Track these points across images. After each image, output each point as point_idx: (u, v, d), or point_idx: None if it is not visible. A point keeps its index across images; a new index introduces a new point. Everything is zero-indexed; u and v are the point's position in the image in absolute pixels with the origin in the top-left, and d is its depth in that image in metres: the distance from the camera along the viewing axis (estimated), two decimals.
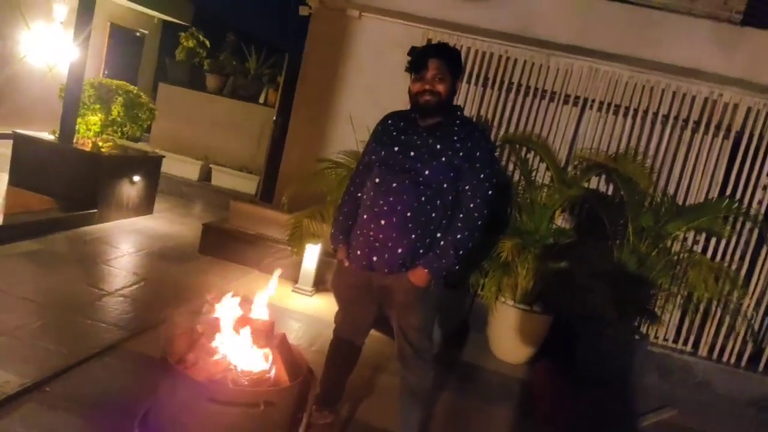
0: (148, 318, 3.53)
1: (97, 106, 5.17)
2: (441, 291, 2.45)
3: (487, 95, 4.79)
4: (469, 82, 4.76)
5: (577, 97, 4.65)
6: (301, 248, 4.50)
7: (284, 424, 1.84)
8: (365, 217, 2.38)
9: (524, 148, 4.62)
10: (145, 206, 5.96)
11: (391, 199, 2.30)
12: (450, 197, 2.33)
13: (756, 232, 4.39)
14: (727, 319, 4.46)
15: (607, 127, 4.63)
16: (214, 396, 1.66)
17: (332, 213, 4.16)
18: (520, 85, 4.71)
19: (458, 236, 2.29)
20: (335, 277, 2.66)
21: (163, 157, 6.24)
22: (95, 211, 5.18)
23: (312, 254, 4.63)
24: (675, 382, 4.46)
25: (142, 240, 5.17)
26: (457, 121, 2.36)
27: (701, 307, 4.42)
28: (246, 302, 2.06)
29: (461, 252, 2.30)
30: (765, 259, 4.42)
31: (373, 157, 2.44)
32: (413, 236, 2.29)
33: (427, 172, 2.27)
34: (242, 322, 1.92)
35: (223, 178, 7.44)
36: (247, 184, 7.30)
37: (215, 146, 7.68)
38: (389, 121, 2.49)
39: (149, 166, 5.91)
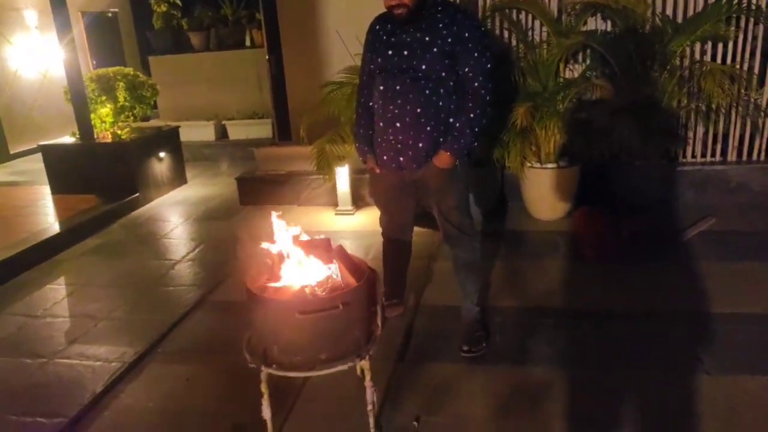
0: (219, 272, 3.89)
1: (104, 97, 5.35)
2: (467, 170, 2.65)
3: None
4: None
5: None
6: (331, 173, 4.73)
7: (362, 317, 2.14)
8: (381, 124, 2.56)
9: (514, 11, 4.59)
10: (178, 178, 6.26)
11: (399, 101, 2.44)
12: (452, 83, 2.44)
13: (761, 26, 4.34)
14: (749, 120, 4.52)
15: None
16: (301, 308, 1.95)
17: (350, 131, 4.35)
18: None
19: (471, 115, 2.43)
20: (371, 185, 2.90)
21: (178, 127, 6.44)
22: (137, 195, 5.50)
23: (343, 176, 4.85)
24: (711, 193, 4.62)
25: (187, 209, 5.50)
26: (439, 8, 2.41)
27: (721, 116, 4.49)
28: (295, 232, 2.31)
29: (476, 129, 2.46)
30: None
31: (372, 66, 2.57)
32: (429, 128, 2.45)
33: (423, 66, 2.37)
34: (302, 245, 2.19)
35: (238, 131, 7.62)
36: (263, 129, 7.47)
37: (221, 102, 7.80)
38: (377, 27, 2.59)
39: (169, 139, 6.15)
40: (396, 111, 2.46)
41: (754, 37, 4.41)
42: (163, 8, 7.82)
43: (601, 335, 2.84)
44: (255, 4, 7.85)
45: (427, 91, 2.41)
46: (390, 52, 2.45)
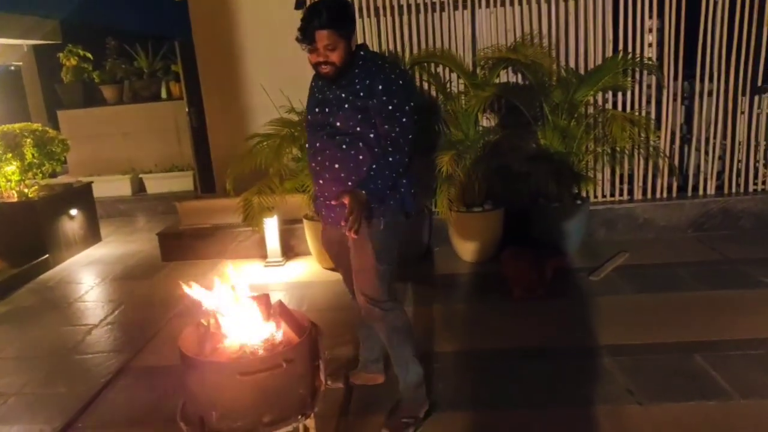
0: (142, 335, 3.67)
1: (9, 155, 5.02)
2: (392, 233, 2.40)
3: (383, 24, 4.88)
4: (361, 16, 4.83)
5: (464, 0, 4.82)
6: (259, 225, 4.65)
7: (306, 374, 2.08)
8: (312, 179, 2.56)
9: (432, 64, 4.81)
10: (92, 236, 5.92)
11: (318, 158, 2.39)
12: (371, 135, 2.32)
13: (654, 77, 4.79)
14: (650, 160, 4.93)
15: (500, 22, 4.84)
16: (242, 369, 1.87)
17: (278, 184, 4.33)
18: (409, 5, 4.82)
19: (390, 159, 2.26)
20: (321, 237, 2.74)
21: (91, 182, 6.14)
22: (46, 256, 5.14)
23: (271, 227, 4.79)
24: (622, 230, 4.95)
25: (103, 268, 5.20)
26: (360, 62, 2.32)
27: (626, 158, 4.86)
28: (230, 288, 2.24)
29: (389, 173, 2.26)
30: (668, 97, 4.85)
31: (305, 124, 2.59)
32: (350, 184, 2.33)
33: (338, 123, 2.31)
34: (240, 302, 2.12)
35: (157, 184, 7.37)
36: (184, 182, 7.26)
37: (137, 156, 7.54)
38: (312, 84, 2.54)
39: (81, 196, 5.83)
40: (317, 167, 2.41)
41: (648, 86, 4.86)
42: (73, 62, 7.55)
43: (536, 373, 2.91)
44: (171, 57, 7.77)
45: (344, 146, 2.32)
46: (316, 110, 2.42)
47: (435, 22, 4.87)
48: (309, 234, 4.69)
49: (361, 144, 2.32)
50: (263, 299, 2.14)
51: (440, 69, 4.82)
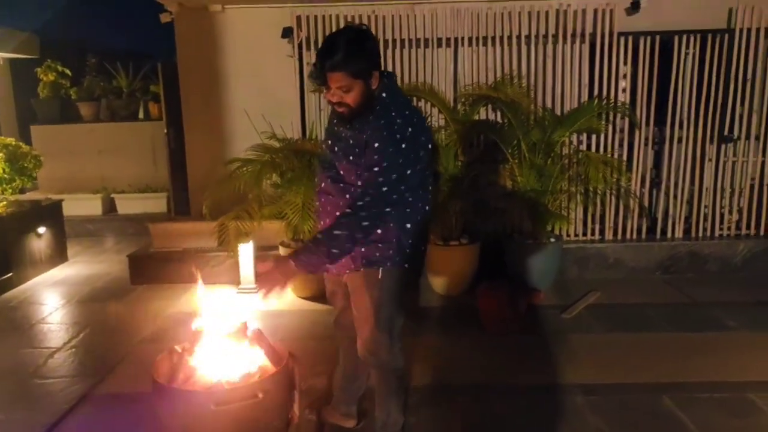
0: (107, 360, 3.56)
1: None
2: (391, 283, 2.27)
3: None
4: None
5: (448, 39, 4.95)
6: (234, 250, 4.60)
7: (282, 404, 2.05)
8: (316, 215, 2.44)
9: (414, 99, 4.89)
10: (59, 255, 5.76)
11: (322, 199, 2.28)
12: None
13: (627, 119, 4.96)
14: (621, 201, 5.06)
15: (481, 60, 4.98)
16: (217, 399, 1.83)
17: (257, 209, 4.30)
18: (395, 40, 4.93)
19: (354, 213, 2.05)
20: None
21: (61, 200, 6.01)
22: (10, 274, 4.98)
23: (246, 253, 4.73)
24: (593, 269, 5.04)
25: (69, 289, 5.05)
26: (377, 108, 2.11)
27: (598, 198, 4.98)
28: (207, 315, 2.21)
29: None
30: (639, 141, 5.02)
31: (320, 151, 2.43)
32: None
33: (342, 171, 2.18)
34: (217, 330, 2.08)
35: (128, 205, 7.23)
36: (157, 204, 7.15)
37: (111, 175, 7.41)
38: (332, 112, 2.28)
39: (50, 213, 5.69)
40: (320, 208, 2.31)
41: (621, 130, 5.02)
42: (51, 77, 7.45)
43: (509, 409, 2.91)
44: (152, 77, 7.74)
45: (348, 195, 2.15)
46: (329, 142, 2.26)
47: (418, 58, 4.98)
48: None
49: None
50: (241, 327, 2.11)
51: (422, 103, 4.90)
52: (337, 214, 2.13)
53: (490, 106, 4.90)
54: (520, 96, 4.67)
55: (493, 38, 4.94)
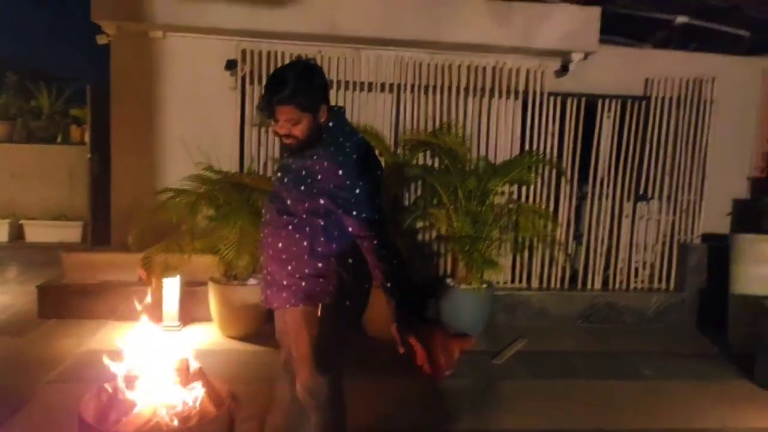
0: (9, 402, 3.21)
1: None
2: (331, 320, 2.23)
3: None
4: None
5: (391, 84, 5.07)
6: (159, 284, 4.36)
7: None
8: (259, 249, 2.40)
9: None
10: None
11: (266, 230, 2.26)
12: (322, 221, 2.15)
13: (554, 173, 5.23)
14: (547, 251, 5.28)
15: (422, 107, 5.13)
16: None
17: (189, 242, 4.12)
18: (339, 81, 4.99)
19: (381, 263, 2.06)
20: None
21: None
22: None
23: (172, 288, 4.49)
24: (520, 317, 5.18)
25: None
26: (324, 136, 2.15)
27: (526, 248, 5.18)
28: (140, 351, 2.07)
29: (397, 275, 2.09)
30: (564, 195, 5.30)
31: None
32: (289, 268, 2.19)
33: (288, 201, 2.17)
34: (156, 366, 1.94)
35: (39, 233, 6.72)
36: (70, 233, 6.69)
37: (21, 200, 6.89)
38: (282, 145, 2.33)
39: None
40: (263, 240, 2.28)
41: (548, 184, 5.28)
42: None
43: None
44: (76, 100, 7.36)
45: (291, 227, 2.16)
46: (279, 174, 2.27)
47: (362, 101, 5.06)
48: (214, 298, 4.46)
49: (308, 229, 2.16)
50: (181, 365, 1.98)
51: None
52: (279, 245, 2.16)
53: (429, 152, 5.02)
54: (457, 144, 4.83)
55: (434, 87, 5.12)
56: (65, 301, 4.69)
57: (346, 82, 5.01)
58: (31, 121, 7.31)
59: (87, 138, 5.96)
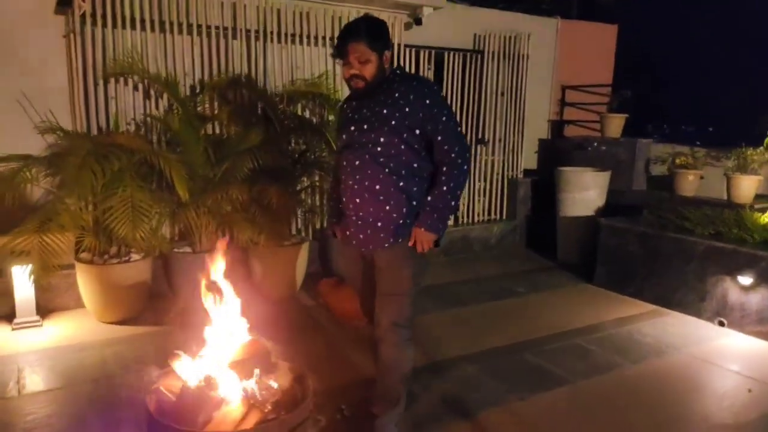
0: None
1: None
2: (420, 259, 2.41)
3: (177, 42, 4.37)
4: (153, 29, 4.17)
5: (257, 32, 4.73)
6: (5, 276, 3.57)
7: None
8: (344, 198, 2.46)
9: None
10: None
11: (357, 177, 2.35)
12: (418, 157, 2.32)
13: None
14: None
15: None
16: None
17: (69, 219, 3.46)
18: (209, 26, 4.47)
19: (444, 188, 2.30)
20: (338, 256, 2.70)
21: None
22: None
23: (21, 277, 3.68)
24: None
25: None
26: (396, 79, 2.35)
27: None
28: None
29: (452, 203, 2.34)
30: None
31: (339, 144, 2.52)
32: (388, 208, 2.32)
33: (382, 140, 2.28)
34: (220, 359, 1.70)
35: None
36: None
37: None
38: (344, 105, 2.55)
39: None
40: (355, 186, 2.37)
41: None
42: None
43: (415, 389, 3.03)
44: None
45: (387, 170, 2.30)
46: (352, 128, 2.39)
47: (235, 49, 4.65)
48: (84, 281, 3.81)
49: (404, 171, 2.31)
50: (253, 348, 1.77)
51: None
52: (377, 188, 2.30)
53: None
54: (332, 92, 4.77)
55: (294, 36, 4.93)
56: None
57: (217, 28, 4.53)
58: None
59: None
